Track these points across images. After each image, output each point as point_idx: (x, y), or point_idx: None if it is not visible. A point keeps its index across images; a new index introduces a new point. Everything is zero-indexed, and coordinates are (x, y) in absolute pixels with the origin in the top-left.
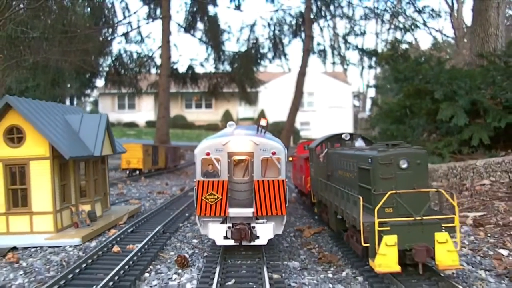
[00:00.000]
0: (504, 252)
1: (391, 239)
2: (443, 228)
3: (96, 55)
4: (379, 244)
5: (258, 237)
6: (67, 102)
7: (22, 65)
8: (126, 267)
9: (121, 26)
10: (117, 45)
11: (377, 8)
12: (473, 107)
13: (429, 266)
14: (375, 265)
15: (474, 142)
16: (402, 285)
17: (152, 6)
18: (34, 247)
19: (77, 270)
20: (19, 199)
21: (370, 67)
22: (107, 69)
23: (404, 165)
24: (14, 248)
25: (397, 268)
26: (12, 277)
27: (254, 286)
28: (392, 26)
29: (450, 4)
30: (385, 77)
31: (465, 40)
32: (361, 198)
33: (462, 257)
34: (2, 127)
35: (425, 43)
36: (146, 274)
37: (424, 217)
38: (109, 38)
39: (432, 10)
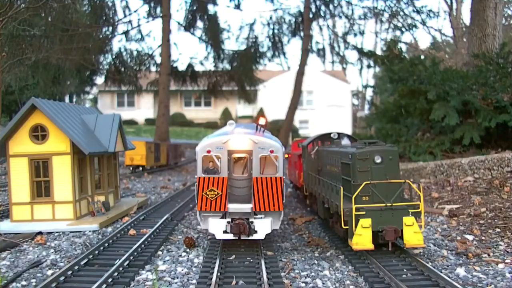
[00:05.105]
0: (470, 237)
1: (366, 222)
2: (410, 213)
3: (96, 53)
4: (356, 226)
5: (256, 232)
6: (66, 99)
7: (25, 63)
8: (143, 245)
9: (121, 24)
10: (118, 43)
11: (376, 8)
12: (465, 108)
13: (399, 246)
14: (352, 243)
15: (465, 142)
16: (375, 260)
17: (152, 4)
18: (57, 232)
19: (101, 248)
20: (42, 190)
21: (368, 66)
22: (107, 67)
23: (378, 160)
24: (39, 233)
25: (370, 246)
26: (45, 254)
27: (251, 260)
28: (391, 26)
29: (449, 3)
30: (381, 78)
31: (464, 40)
32: (341, 187)
33: (431, 240)
34: (28, 126)
35: (424, 43)
36: (159, 252)
37: (394, 204)
38: (109, 36)
39: (430, 10)
